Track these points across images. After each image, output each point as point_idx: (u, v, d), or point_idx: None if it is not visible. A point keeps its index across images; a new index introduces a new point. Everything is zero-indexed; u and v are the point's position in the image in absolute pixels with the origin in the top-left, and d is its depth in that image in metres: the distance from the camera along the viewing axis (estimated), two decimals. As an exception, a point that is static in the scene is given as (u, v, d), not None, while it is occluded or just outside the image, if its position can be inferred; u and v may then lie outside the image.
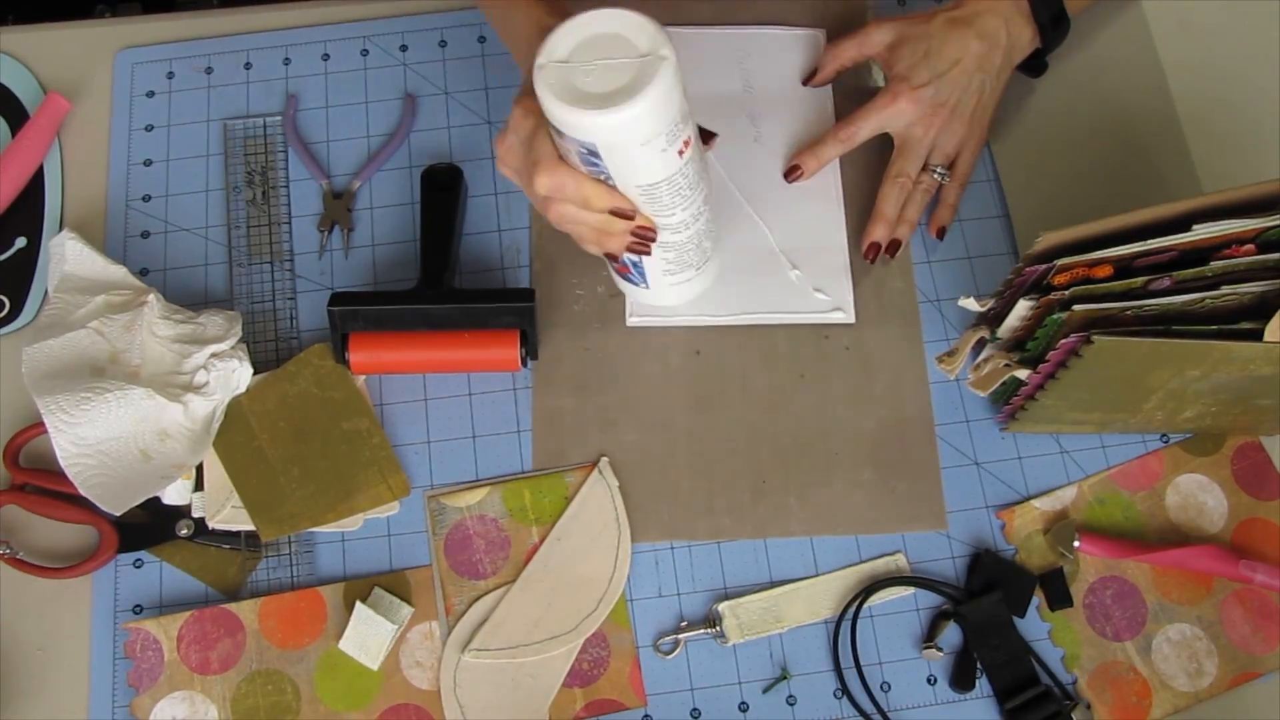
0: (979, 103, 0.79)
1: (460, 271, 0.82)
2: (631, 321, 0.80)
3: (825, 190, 0.83)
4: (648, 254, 0.70)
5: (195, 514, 0.75)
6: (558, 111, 0.61)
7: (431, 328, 0.76)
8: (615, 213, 0.67)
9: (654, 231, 0.69)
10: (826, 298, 0.80)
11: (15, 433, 0.76)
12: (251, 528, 0.74)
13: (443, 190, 0.82)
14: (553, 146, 0.65)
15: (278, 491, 0.75)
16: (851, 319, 0.80)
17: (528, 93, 0.66)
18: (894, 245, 0.80)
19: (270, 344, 0.80)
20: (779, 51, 0.87)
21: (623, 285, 0.79)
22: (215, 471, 0.76)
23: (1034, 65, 0.83)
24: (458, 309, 0.76)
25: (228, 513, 0.75)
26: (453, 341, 0.76)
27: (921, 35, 0.78)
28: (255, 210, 0.84)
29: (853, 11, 0.89)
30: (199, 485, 0.76)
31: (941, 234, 0.82)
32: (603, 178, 0.65)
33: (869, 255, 0.80)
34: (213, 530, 0.75)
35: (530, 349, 0.77)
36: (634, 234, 0.68)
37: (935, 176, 0.81)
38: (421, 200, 0.82)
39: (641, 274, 0.75)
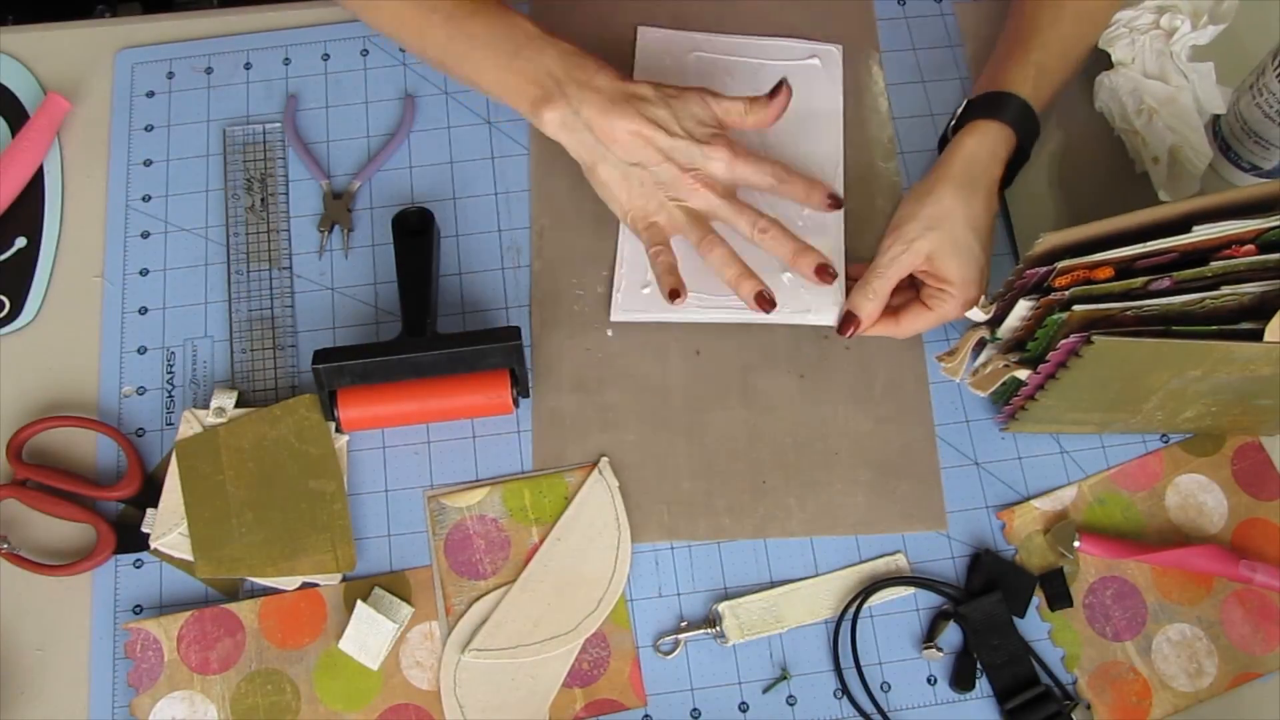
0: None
1: (461, 273, 0.82)
2: (616, 317, 0.79)
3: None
4: None
5: (144, 529, 0.74)
6: None
7: (420, 375, 0.74)
8: None
9: None
10: (812, 298, 0.79)
11: (19, 427, 0.76)
12: (191, 558, 0.74)
13: (415, 235, 0.80)
14: None
15: (226, 531, 0.74)
16: (832, 322, 0.78)
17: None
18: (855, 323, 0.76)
19: (269, 349, 0.80)
20: (794, 64, 0.87)
21: None
22: (173, 495, 0.75)
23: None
24: (444, 355, 0.73)
25: (173, 538, 0.74)
26: (443, 390, 0.75)
27: (959, 227, 0.73)
28: (254, 217, 0.84)
29: (858, 13, 0.90)
30: (154, 502, 0.75)
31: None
32: None
33: (845, 329, 0.76)
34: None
35: (522, 387, 0.76)
36: None
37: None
38: (395, 247, 0.80)
39: None
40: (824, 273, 0.73)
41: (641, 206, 0.74)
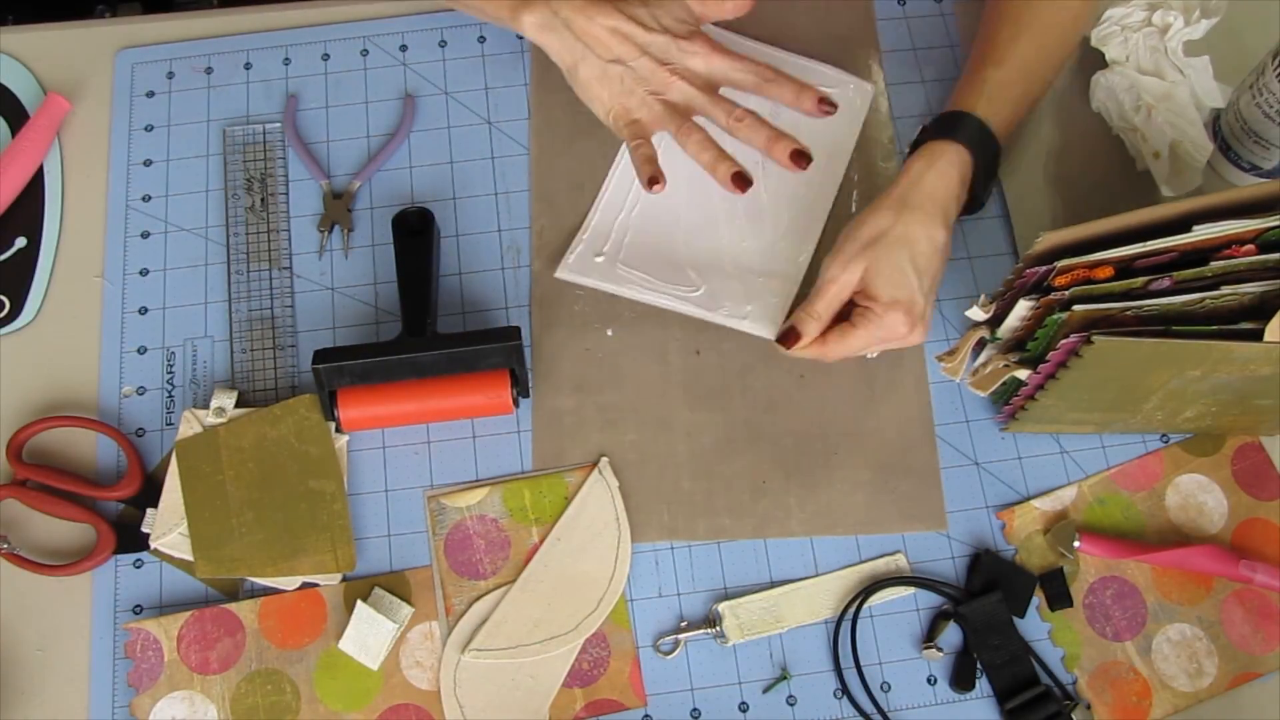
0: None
1: (461, 273, 0.82)
2: (560, 274, 0.80)
3: (808, 225, 0.82)
4: None
5: (144, 529, 0.74)
6: None
7: (420, 375, 0.74)
8: None
9: None
10: (752, 307, 0.79)
11: (19, 427, 0.76)
12: (191, 558, 0.74)
13: (415, 235, 0.80)
14: None
15: (226, 531, 0.74)
16: (764, 333, 0.78)
17: None
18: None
19: (269, 349, 0.80)
20: (819, 88, 0.86)
21: None
22: (173, 495, 0.75)
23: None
24: (444, 355, 0.73)
25: (173, 538, 0.74)
26: (443, 390, 0.75)
27: (892, 246, 0.72)
28: (254, 217, 0.84)
29: (858, 13, 0.89)
30: (154, 502, 0.75)
31: None
32: None
33: (786, 342, 0.74)
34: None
35: (522, 387, 0.76)
36: None
37: None
38: (395, 247, 0.81)
39: None
40: (799, 158, 0.74)
41: (622, 103, 0.77)
